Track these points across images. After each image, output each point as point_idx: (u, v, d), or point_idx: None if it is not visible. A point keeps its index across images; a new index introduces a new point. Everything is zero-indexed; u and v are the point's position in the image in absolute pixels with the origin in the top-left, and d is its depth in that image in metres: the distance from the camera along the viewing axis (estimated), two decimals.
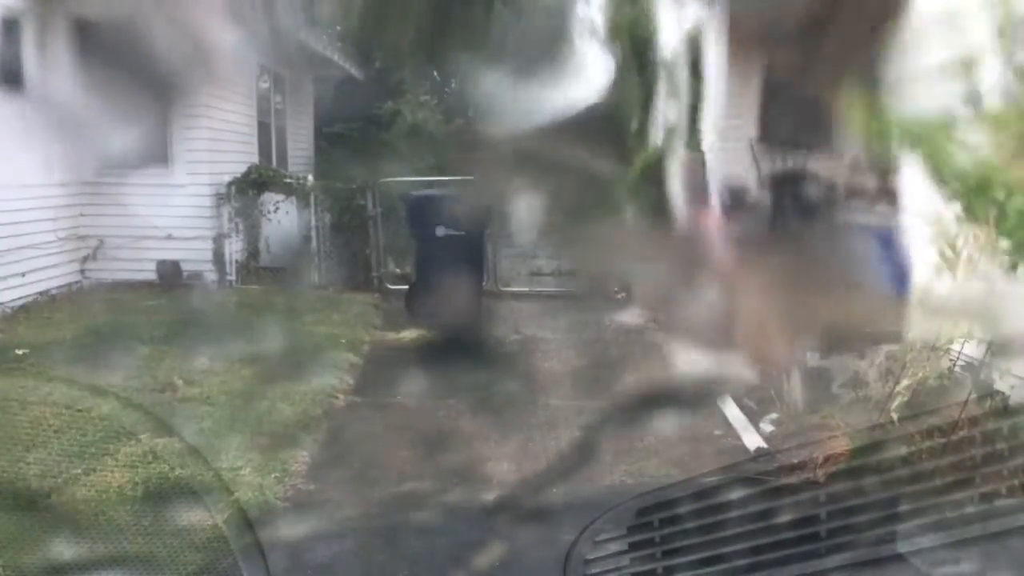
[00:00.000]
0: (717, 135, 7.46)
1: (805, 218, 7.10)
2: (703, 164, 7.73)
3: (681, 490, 2.09)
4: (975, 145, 2.64)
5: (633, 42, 8.30)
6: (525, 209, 10.18)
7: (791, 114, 7.07)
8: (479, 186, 9.82)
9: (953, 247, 3.96)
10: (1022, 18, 2.77)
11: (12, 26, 8.13)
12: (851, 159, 6.91)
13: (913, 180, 4.11)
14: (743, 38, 7.11)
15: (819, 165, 7.34)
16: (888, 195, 5.72)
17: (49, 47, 8.51)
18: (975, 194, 2.53)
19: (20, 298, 8.08)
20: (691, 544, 1.87)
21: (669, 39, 7.65)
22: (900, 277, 5.41)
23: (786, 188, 7.46)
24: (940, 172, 2.59)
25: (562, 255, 10.56)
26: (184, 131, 9.53)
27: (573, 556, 1.87)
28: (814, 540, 1.86)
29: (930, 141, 2.52)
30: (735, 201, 7.42)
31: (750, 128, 7.58)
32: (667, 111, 9.32)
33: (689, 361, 6.44)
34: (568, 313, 9.00)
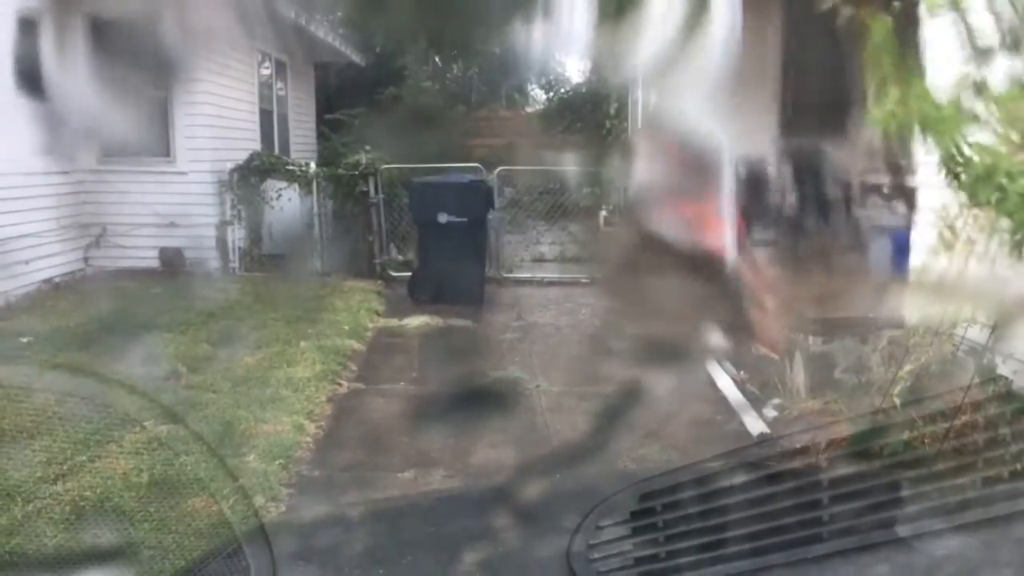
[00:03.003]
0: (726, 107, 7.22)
1: (819, 207, 7.06)
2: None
3: (684, 475, 2.09)
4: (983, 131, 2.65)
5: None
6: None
7: (813, 89, 6.94)
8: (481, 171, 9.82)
9: (955, 230, 3.96)
10: None
11: (25, 23, 8.14)
12: (868, 146, 6.86)
13: (925, 166, 4.09)
14: None
15: (836, 150, 7.26)
16: (902, 182, 5.70)
17: (58, 40, 8.49)
18: (981, 180, 2.53)
19: (23, 286, 8.09)
20: (694, 529, 1.88)
21: None
22: (906, 264, 5.41)
23: (800, 175, 7.38)
24: (949, 157, 2.60)
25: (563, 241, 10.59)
26: (186, 119, 9.52)
27: (576, 542, 1.87)
28: (817, 525, 1.86)
29: (942, 126, 2.52)
30: (747, 187, 7.31)
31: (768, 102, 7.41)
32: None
33: (692, 346, 6.43)
34: (571, 299, 9.00)
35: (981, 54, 2.70)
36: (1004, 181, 2.50)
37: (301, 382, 5.61)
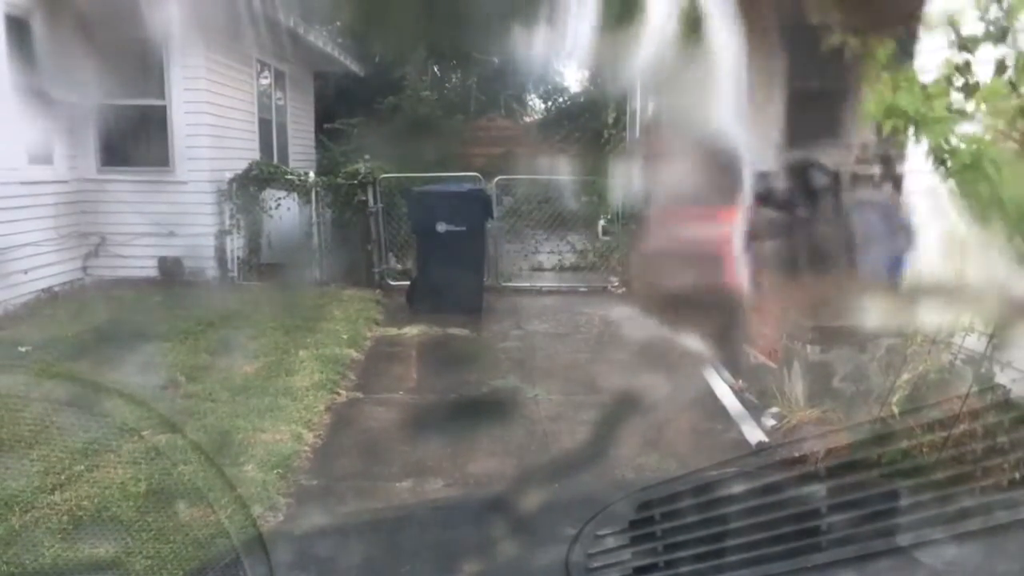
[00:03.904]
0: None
1: (817, 212, 7.04)
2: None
3: (683, 484, 2.09)
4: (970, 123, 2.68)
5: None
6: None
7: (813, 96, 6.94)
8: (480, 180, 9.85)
9: (955, 237, 3.97)
10: None
11: (16, 24, 8.12)
12: (862, 148, 6.85)
13: (921, 170, 4.09)
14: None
15: (834, 155, 7.24)
16: (901, 195, 5.71)
17: (53, 44, 8.48)
18: (968, 168, 2.55)
19: (22, 295, 8.09)
20: (693, 538, 1.88)
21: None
22: (905, 272, 5.41)
23: (801, 183, 7.37)
24: (937, 147, 2.61)
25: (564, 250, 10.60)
26: (185, 128, 9.54)
27: (574, 551, 1.87)
28: (815, 534, 1.86)
29: (935, 125, 2.54)
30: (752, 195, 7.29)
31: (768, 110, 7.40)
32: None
33: (691, 355, 6.44)
34: (569, 308, 9.01)
35: (969, 49, 2.72)
36: (991, 171, 2.52)
37: (299, 391, 5.60)
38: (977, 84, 2.70)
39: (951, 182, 2.72)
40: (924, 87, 2.60)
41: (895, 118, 2.63)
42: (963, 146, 2.56)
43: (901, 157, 5.38)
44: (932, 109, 2.56)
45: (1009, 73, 2.76)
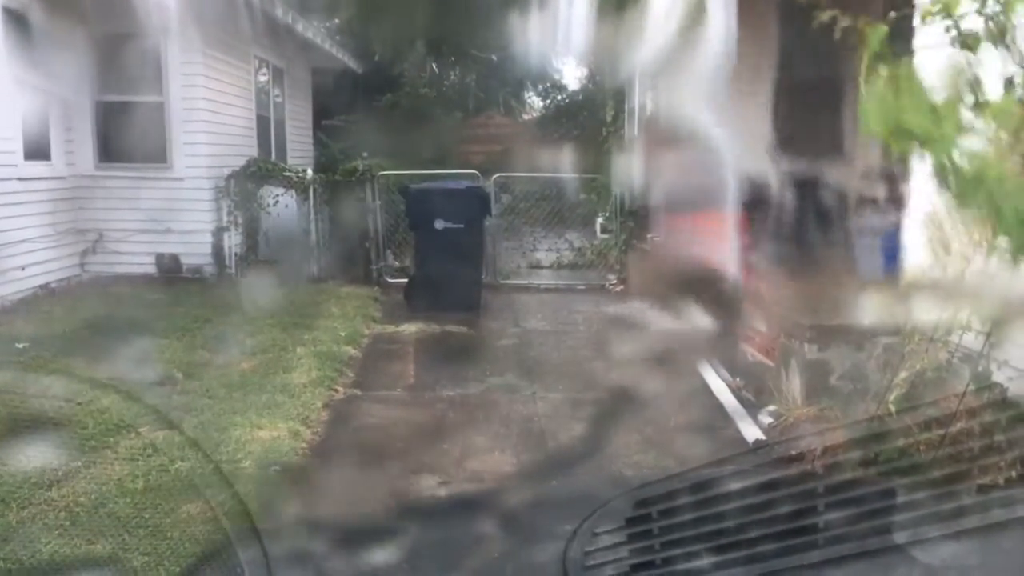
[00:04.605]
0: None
1: (815, 214, 7.05)
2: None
3: (679, 482, 2.10)
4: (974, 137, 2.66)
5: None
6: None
7: (808, 95, 6.93)
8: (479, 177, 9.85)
9: (949, 241, 3.97)
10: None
11: (14, 18, 8.09)
12: (862, 158, 6.87)
13: (920, 176, 4.09)
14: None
15: (831, 164, 7.26)
16: (896, 189, 5.71)
17: (51, 39, 8.47)
18: (970, 187, 2.53)
19: (20, 291, 8.08)
20: (689, 536, 1.88)
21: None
22: (901, 271, 5.42)
23: (797, 183, 7.38)
24: (941, 167, 2.60)
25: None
26: (183, 124, 9.52)
27: (572, 548, 1.87)
28: (812, 531, 1.86)
29: (941, 142, 2.53)
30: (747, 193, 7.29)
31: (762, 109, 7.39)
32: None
33: (688, 353, 6.45)
34: (567, 306, 9.01)
35: (971, 47, 2.70)
36: (993, 187, 2.51)
37: (297, 388, 5.60)
38: (987, 103, 2.68)
39: (952, 198, 2.71)
40: (933, 106, 2.58)
41: (902, 139, 2.61)
42: (966, 165, 2.54)
43: (900, 167, 5.38)
44: (941, 128, 2.54)
45: (1019, 92, 2.74)
